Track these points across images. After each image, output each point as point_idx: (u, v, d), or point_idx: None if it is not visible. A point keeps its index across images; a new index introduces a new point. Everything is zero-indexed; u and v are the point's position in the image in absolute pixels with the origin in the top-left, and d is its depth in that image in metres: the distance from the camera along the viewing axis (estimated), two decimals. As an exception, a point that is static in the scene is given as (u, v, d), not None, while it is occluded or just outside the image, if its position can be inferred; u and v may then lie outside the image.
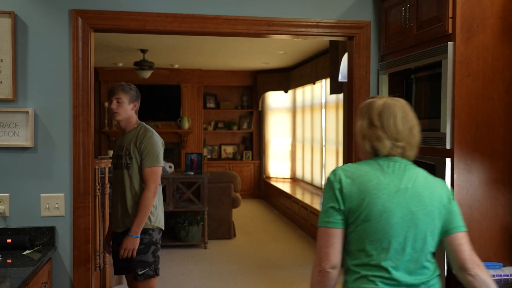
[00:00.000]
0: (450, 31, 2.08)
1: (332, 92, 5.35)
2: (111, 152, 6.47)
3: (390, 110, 1.53)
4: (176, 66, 8.67)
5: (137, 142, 2.79)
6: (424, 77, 2.45)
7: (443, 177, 2.11)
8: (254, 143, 9.77)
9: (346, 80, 4.83)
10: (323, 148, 7.33)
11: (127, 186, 2.80)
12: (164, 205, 6.27)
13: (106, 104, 8.12)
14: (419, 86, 2.52)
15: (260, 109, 9.66)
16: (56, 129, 2.52)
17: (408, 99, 2.61)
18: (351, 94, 2.78)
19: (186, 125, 9.04)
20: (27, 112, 2.47)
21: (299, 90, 8.84)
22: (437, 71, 2.27)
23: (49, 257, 2.41)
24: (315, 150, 7.86)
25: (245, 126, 9.76)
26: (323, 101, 7.38)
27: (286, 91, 9.02)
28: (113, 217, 2.90)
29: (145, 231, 2.80)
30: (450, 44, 2.07)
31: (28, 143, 2.48)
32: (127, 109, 2.82)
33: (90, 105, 2.55)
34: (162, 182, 5.92)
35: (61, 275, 2.53)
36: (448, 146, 2.09)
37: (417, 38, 2.33)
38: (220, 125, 9.76)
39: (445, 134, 2.10)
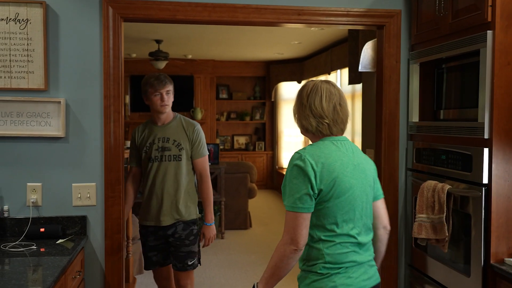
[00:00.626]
0: (489, 19, 2.05)
1: (350, 82, 5.31)
2: (128, 143, 6.45)
3: (317, 90, 1.74)
4: (190, 56, 8.65)
5: (187, 133, 2.84)
6: (457, 66, 2.43)
7: (480, 167, 2.09)
8: (267, 134, 9.76)
9: (366, 70, 4.80)
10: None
11: (180, 178, 2.81)
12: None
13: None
14: (450, 75, 2.50)
15: (273, 99, 9.64)
16: (87, 119, 2.52)
17: (439, 88, 2.59)
18: (380, 83, 2.76)
19: (199, 115, 9.04)
20: (59, 102, 2.48)
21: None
22: (472, 60, 2.24)
23: (82, 246, 2.42)
24: (329, 141, 7.83)
25: (257, 116, 9.74)
26: (338, 91, 7.34)
27: (299, 82, 8.99)
28: (149, 211, 2.86)
29: (194, 222, 2.87)
30: (489, 32, 2.04)
31: (59, 132, 2.49)
32: (172, 101, 2.87)
33: (121, 96, 2.55)
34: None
35: (93, 264, 2.54)
36: (486, 136, 2.07)
37: (452, 27, 2.30)
38: (232, 115, 9.75)
39: (483, 123, 2.07)
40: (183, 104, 9.09)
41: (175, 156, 2.82)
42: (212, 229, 2.92)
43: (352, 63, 5.22)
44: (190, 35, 6.47)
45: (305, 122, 1.77)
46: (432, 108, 2.63)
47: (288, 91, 9.47)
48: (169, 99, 2.84)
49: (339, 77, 7.26)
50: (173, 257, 2.89)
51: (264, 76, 9.59)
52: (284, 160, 9.53)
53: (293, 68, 8.99)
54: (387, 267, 2.75)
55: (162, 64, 6.95)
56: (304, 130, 1.80)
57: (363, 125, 5.20)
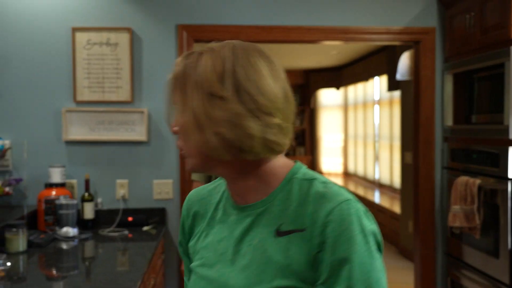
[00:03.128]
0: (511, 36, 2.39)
1: (389, 89, 5.65)
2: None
3: (248, 61, 0.85)
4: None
5: None
6: (486, 76, 2.76)
7: (506, 164, 2.43)
8: (307, 140, 10.14)
9: (403, 79, 5.15)
10: (376, 143, 7.61)
11: None
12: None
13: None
14: (480, 84, 2.83)
15: (312, 106, 10.01)
16: (165, 126, 2.98)
17: (470, 95, 2.93)
18: (417, 91, 3.11)
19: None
20: (142, 112, 2.95)
21: (350, 88, 9.13)
22: (498, 71, 2.58)
23: (163, 233, 2.88)
24: (368, 146, 8.15)
25: (297, 123, 10.14)
26: (376, 98, 7.66)
27: (338, 88, 9.34)
28: None
29: None
30: (512, 48, 2.39)
31: (143, 137, 2.96)
32: None
33: (193, 105, 3.00)
34: (211, 176, 6.43)
35: (170, 249, 2.99)
36: (510, 137, 2.41)
37: (481, 42, 2.65)
38: (273, 122, 10.17)
39: (507, 126, 2.41)
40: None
41: None
42: None
43: (390, 71, 5.56)
44: (235, 47, 6.93)
45: (228, 132, 0.82)
46: (464, 113, 2.97)
47: (327, 98, 9.83)
48: None
49: (377, 84, 7.58)
50: None
51: (304, 83, 9.98)
52: (324, 164, 9.88)
53: (331, 75, 9.35)
54: (425, 256, 3.09)
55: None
56: (219, 153, 0.84)
57: (402, 129, 5.52)
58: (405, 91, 5.38)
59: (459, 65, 2.88)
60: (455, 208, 2.69)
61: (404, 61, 5.05)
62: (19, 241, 2.29)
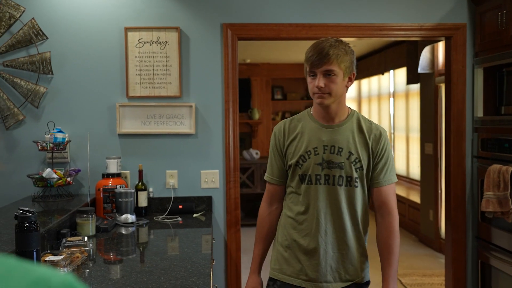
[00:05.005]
0: (544, 33, 2.56)
1: (409, 82, 5.81)
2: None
3: None
4: (248, 61, 9.31)
5: (372, 144, 1.82)
6: (516, 70, 2.94)
7: (539, 151, 2.60)
8: (320, 132, 10.29)
9: (425, 72, 5.31)
10: (392, 135, 7.78)
11: (357, 216, 1.84)
12: (252, 188, 6.83)
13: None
14: (510, 77, 3.01)
15: (325, 99, 10.16)
16: (212, 119, 3.17)
17: (500, 88, 3.10)
18: (449, 85, 3.28)
19: (257, 115, 9.69)
20: (190, 106, 3.14)
21: (364, 81, 9.29)
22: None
23: (211, 220, 3.07)
24: (382, 137, 8.30)
25: (311, 116, 10.29)
26: (391, 90, 7.82)
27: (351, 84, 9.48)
28: (295, 261, 1.88)
29: (368, 284, 1.93)
30: (545, 44, 2.56)
31: (191, 130, 3.14)
32: (340, 86, 1.79)
33: (237, 100, 3.19)
34: (249, 167, 6.59)
35: (218, 233, 3.19)
36: (543, 127, 2.58)
37: (513, 38, 2.82)
38: (287, 115, 10.34)
39: (540, 116, 2.59)
40: (242, 105, 9.72)
41: (349, 180, 1.82)
42: None
43: (410, 65, 5.72)
44: (252, 42, 7.10)
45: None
46: (494, 105, 3.14)
47: (340, 91, 9.97)
48: (331, 84, 1.75)
49: (393, 78, 7.74)
50: None
51: (317, 77, 10.12)
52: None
53: (345, 69, 9.48)
54: (456, 240, 3.27)
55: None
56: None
57: (422, 121, 5.69)
58: (425, 84, 5.55)
59: (490, 60, 3.05)
60: (489, 194, 2.87)
61: (426, 55, 5.22)
62: (90, 225, 2.49)
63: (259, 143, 9.73)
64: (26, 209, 1.77)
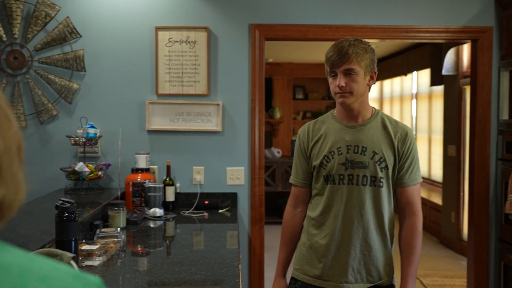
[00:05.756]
0: None
1: (432, 84, 5.80)
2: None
3: None
4: (271, 60, 9.37)
5: (398, 144, 1.83)
6: (543, 73, 2.94)
7: None
8: (340, 132, 10.29)
9: (449, 73, 5.30)
10: (414, 136, 7.75)
11: (382, 216, 1.83)
12: (273, 186, 6.90)
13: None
14: (536, 80, 3.01)
15: (346, 99, 10.16)
16: (238, 118, 3.24)
17: (526, 91, 3.11)
18: (474, 87, 3.29)
19: (278, 115, 9.74)
20: (218, 104, 3.21)
21: (386, 82, 9.27)
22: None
23: (236, 215, 3.14)
24: (404, 139, 8.27)
25: (332, 116, 10.31)
26: (414, 91, 7.79)
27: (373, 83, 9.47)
28: (317, 261, 1.88)
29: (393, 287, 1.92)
30: None
31: (218, 128, 3.22)
32: (362, 85, 1.80)
33: (263, 99, 3.25)
34: (271, 166, 6.65)
35: (242, 230, 3.26)
36: None
37: (540, 41, 2.82)
38: (308, 115, 10.38)
39: None
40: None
41: (373, 179, 1.81)
42: None
43: (434, 66, 5.71)
44: (275, 42, 7.16)
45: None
46: (520, 108, 3.15)
47: (362, 92, 9.96)
48: (352, 83, 1.76)
49: (416, 79, 7.71)
50: None
51: (339, 77, 10.13)
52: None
53: (367, 69, 9.47)
54: (479, 242, 3.28)
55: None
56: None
57: (445, 123, 5.67)
58: (449, 86, 5.54)
59: (517, 63, 3.05)
60: (512, 196, 2.88)
61: (450, 57, 5.21)
62: (121, 218, 2.58)
63: (280, 142, 9.77)
64: (66, 199, 1.86)
